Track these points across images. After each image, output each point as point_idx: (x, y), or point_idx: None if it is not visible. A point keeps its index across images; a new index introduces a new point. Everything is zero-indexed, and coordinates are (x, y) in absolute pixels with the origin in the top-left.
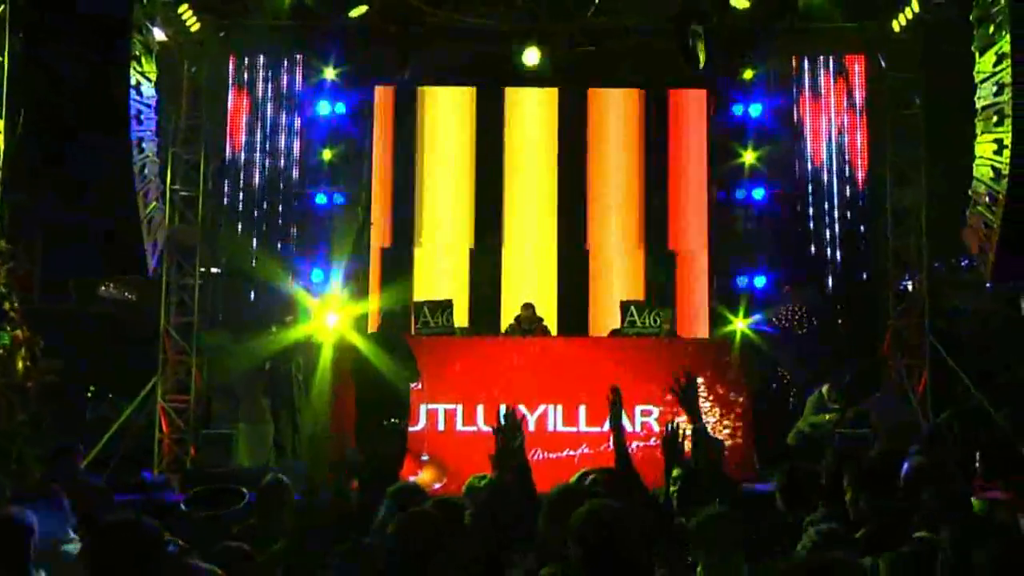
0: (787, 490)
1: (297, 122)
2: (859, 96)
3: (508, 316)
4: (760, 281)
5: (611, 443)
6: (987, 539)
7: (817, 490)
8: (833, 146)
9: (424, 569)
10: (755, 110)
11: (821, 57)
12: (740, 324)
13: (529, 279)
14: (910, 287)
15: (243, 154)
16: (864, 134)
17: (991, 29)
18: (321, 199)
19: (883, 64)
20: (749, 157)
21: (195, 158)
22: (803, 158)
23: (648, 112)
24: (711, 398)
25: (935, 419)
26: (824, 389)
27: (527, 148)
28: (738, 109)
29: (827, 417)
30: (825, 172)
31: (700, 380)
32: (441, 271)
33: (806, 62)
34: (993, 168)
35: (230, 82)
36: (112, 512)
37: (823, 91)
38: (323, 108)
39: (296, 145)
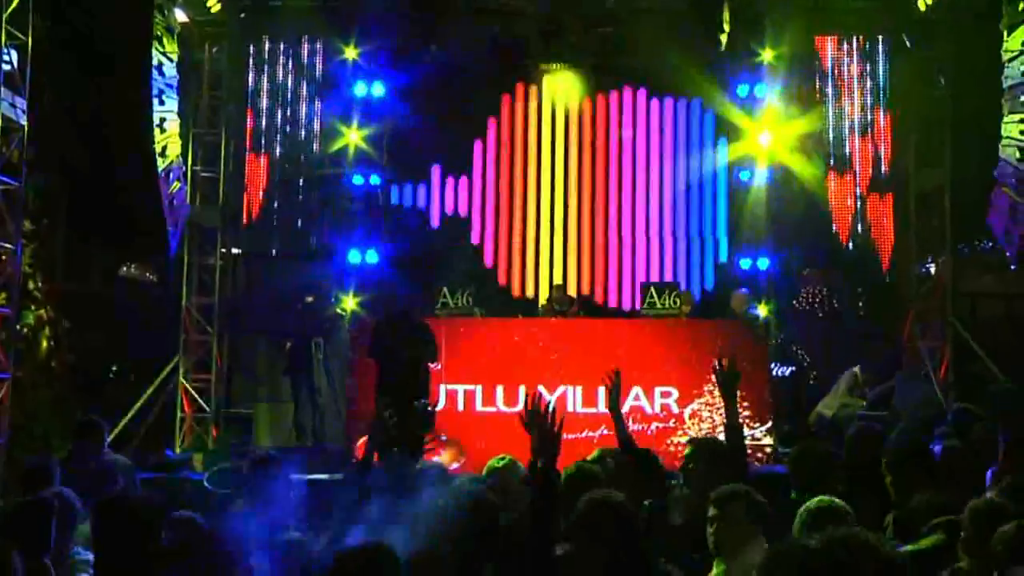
0: (799, 468)
1: (318, 103)
2: (883, 76)
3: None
4: (763, 263)
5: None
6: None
7: (833, 470)
8: (856, 127)
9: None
10: (773, 91)
11: (845, 37)
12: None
13: (546, 262)
14: (932, 269)
15: (264, 134)
16: (888, 114)
17: (1021, 7)
18: (358, 180)
19: (908, 44)
20: (766, 139)
21: (216, 139)
22: (825, 139)
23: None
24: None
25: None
26: (857, 370)
27: (546, 131)
28: (752, 90)
29: (861, 402)
30: (847, 154)
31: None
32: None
33: (830, 42)
34: (1020, 149)
35: (251, 62)
36: (136, 489)
37: (846, 71)
38: (345, 89)
39: (316, 125)
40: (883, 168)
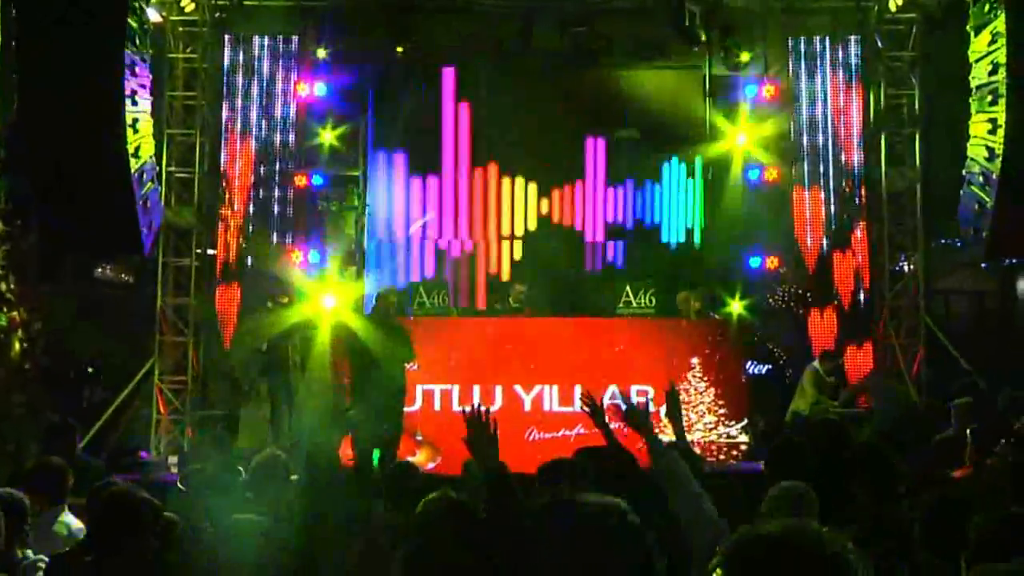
0: (774, 465)
1: (293, 103)
2: (855, 77)
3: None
4: (755, 262)
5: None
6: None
7: (803, 467)
8: (829, 126)
9: None
10: (750, 91)
11: (817, 37)
12: (736, 305)
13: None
14: (906, 267)
15: (238, 133)
16: (860, 115)
17: (986, 8)
18: (317, 180)
19: (879, 44)
20: (744, 138)
21: (191, 139)
22: (798, 139)
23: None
24: (707, 378)
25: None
26: (817, 364)
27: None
28: (734, 90)
29: (831, 402)
30: (821, 153)
31: (696, 360)
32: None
33: (802, 42)
34: (987, 148)
35: (225, 62)
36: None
37: (819, 72)
38: (319, 89)
39: (291, 125)
40: (853, 80)
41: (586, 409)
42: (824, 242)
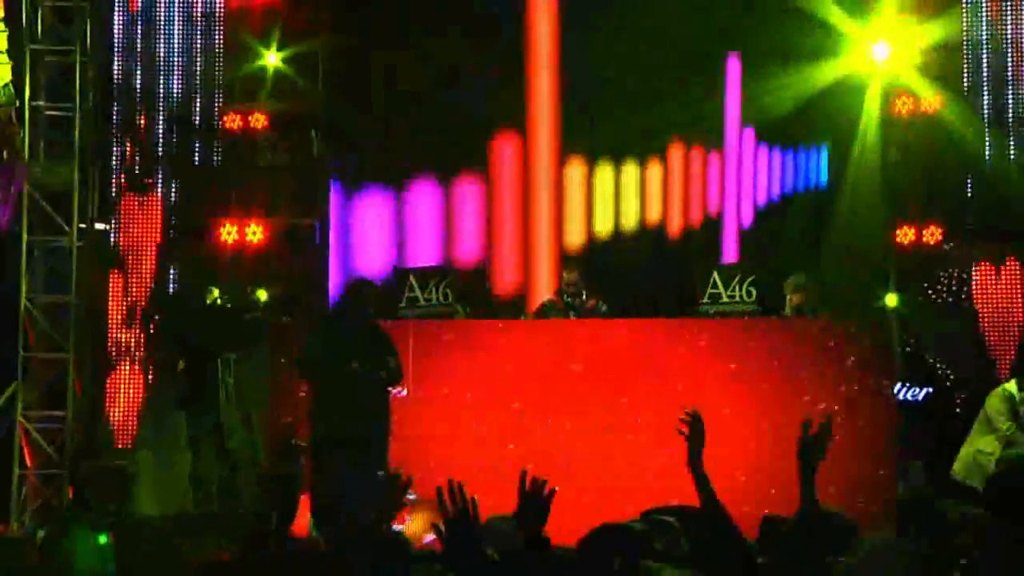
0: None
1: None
2: None
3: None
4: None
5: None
6: None
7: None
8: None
9: None
10: None
11: None
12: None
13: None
14: None
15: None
16: None
17: None
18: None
19: None
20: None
21: (68, 59)
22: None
23: None
24: (837, 407)
25: None
26: (1011, 385)
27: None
28: None
29: None
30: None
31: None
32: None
33: None
34: None
35: None
36: None
37: None
38: None
39: (219, 41)
40: None
41: (684, 432)
42: None
